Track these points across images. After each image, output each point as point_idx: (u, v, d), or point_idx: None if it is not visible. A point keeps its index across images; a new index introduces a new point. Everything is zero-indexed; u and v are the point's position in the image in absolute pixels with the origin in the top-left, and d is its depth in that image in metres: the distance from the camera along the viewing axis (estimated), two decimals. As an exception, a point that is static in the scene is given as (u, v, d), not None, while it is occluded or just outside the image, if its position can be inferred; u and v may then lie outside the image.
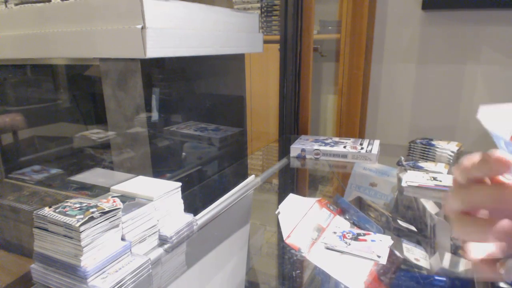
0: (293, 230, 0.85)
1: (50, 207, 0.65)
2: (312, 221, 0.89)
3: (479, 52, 2.08)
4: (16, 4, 1.01)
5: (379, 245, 0.80)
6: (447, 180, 1.02)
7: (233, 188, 1.02)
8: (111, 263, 0.65)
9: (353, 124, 2.29)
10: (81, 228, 0.60)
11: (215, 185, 1.19)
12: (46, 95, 1.28)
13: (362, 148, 1.33)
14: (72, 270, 0.62)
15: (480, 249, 0.31)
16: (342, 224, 0.91)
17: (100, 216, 0.64)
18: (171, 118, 1.15)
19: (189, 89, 1.22)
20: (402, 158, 1.25)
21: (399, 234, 0.90)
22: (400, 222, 0.92)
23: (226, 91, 1.26)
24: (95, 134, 1.16)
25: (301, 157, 1.39)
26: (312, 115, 2.55)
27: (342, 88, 2.27)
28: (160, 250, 0.76)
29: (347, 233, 0.85)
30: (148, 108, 0.93)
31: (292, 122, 1.76)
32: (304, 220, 0.89)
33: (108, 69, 0.90)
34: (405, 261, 0.80)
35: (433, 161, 1.26)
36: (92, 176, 1.00)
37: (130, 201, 0.75)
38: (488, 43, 2.05)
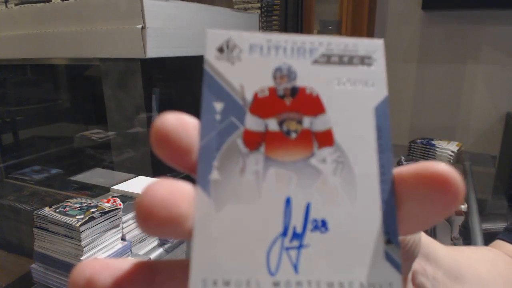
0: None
1: (50, 207, 0.66)
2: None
3: (479, 52, 2.08)
4: (16, 4, 1.01)
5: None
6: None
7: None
8: (111, 263, 0.65)
9: (353, 124, 2.28)
10: (82, 228, 0.60)
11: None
12: (46, 95, 1.28)
13: (362, 148, 1.32)
14: (73, 270, 0.62)
15: None
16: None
17: (101, 216, 0.64)
18: (171, 118, 1.15)
19: (189, 89, 1.22)
20: (403, 158, 1.25)
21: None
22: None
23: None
24: (95, 134, 1.16)
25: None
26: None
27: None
28: (160, 250, 0.76)
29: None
30: (148, 108, 0.93)
31: (292, 122, 1.76)
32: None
33: (108, 69, 0.90)
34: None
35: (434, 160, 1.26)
36: (92, 176, 1.00)
37: (130, 201, 0.75)
38: (488, 42, 2.05)
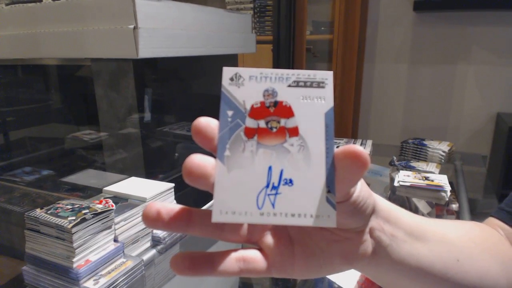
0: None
1: (41, 208, 0.65)
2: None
3: (469, 53, 2.10)
4: (7, 4, 1.00)
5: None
6: (439, 179, 1.03)
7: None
8: (103, 265, 0.65)
9: (346, 125, 2.30)
10: (73, 230, 0.60)
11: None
12: (37, 96, 1.27)
13: (354, 148, 1.33)
14: (64, 272, 0.61)
15: None
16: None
17: (93, 217, 0.63)
18: (164, 119, 1.14)
19: (181, 90, 1.21)
20: (395, 158, 1.25)
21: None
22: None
23: (218, 92, 1.25)
24: (87, 135, 1.15)
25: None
26: (305, 115, 2.53)
27: (334, 88, 2.28)
28: (153, 251, 0.76)
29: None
30: (141, 109, 0.93)
31: (285, 122, 1.76)
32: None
33: (100, 69, 0.89)
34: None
35: (425, 160, 1.27)
36: (84, 177, 0.99)
37: (122, 202, 0.75)
38: (478, 43, 2.07)
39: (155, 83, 1.06)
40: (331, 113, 0.25)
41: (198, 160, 0.22)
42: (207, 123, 0.24)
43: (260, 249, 0.28)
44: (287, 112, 0.25)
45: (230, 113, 0.25)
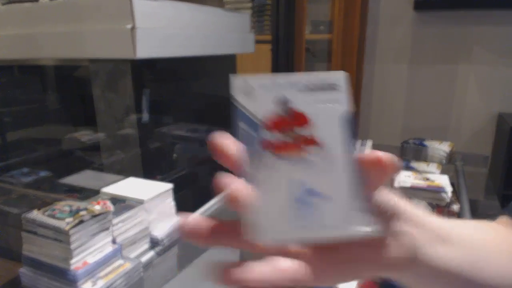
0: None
1: (39, 210, 0.65)
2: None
3: (470, 52, 2.09)
4: (3, 4, 0.99)
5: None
6: (439, 180, 1.03)
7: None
8: (101, 267, 0.64)
9: (345, 125, 2.28)
10: (71, 231, 0.59)
11: (207, 186, 1.18)
12: (35, 97, 1.26)
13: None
14: (62, 274, 0.61)
15: None
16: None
17: (90, 219, 0.63)
18: (162, 119, 1.14)
19: (180, 90, 1.21)
20: (395, 158, 1.25)
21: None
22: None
23: (217, 92, 1.25)
24: (85, 136, 1.15)
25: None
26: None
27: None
28: (152, 253, 0.75)
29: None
30: (139, 109, 0.92)
31: (285, 122, 1.75)
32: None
33: (97, 69, 0.89)
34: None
35: (426, 161, 1.27)
36: (82, 178, 0.99)
37: (120, 203, 0.74)
38: (479, 43, 2.07)
39: (153, 84, 1.06)
40: (347, 116, 0.24)
41: (240, 185, 0.22)
42: (224, 140, 0.23)
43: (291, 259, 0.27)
44: (302, 120, 0.24)
45: (244, 126, 0.24)
